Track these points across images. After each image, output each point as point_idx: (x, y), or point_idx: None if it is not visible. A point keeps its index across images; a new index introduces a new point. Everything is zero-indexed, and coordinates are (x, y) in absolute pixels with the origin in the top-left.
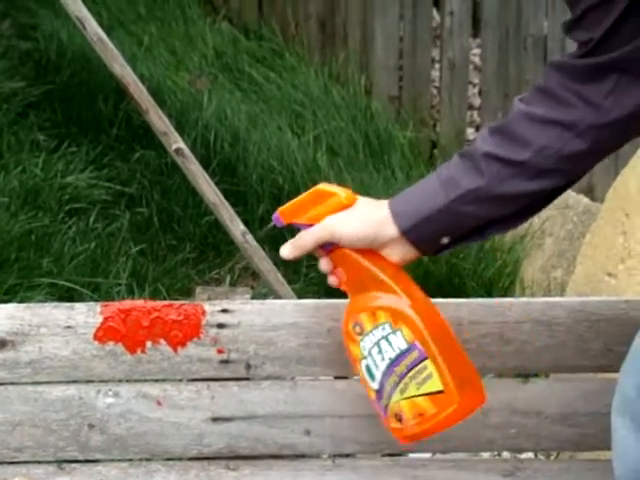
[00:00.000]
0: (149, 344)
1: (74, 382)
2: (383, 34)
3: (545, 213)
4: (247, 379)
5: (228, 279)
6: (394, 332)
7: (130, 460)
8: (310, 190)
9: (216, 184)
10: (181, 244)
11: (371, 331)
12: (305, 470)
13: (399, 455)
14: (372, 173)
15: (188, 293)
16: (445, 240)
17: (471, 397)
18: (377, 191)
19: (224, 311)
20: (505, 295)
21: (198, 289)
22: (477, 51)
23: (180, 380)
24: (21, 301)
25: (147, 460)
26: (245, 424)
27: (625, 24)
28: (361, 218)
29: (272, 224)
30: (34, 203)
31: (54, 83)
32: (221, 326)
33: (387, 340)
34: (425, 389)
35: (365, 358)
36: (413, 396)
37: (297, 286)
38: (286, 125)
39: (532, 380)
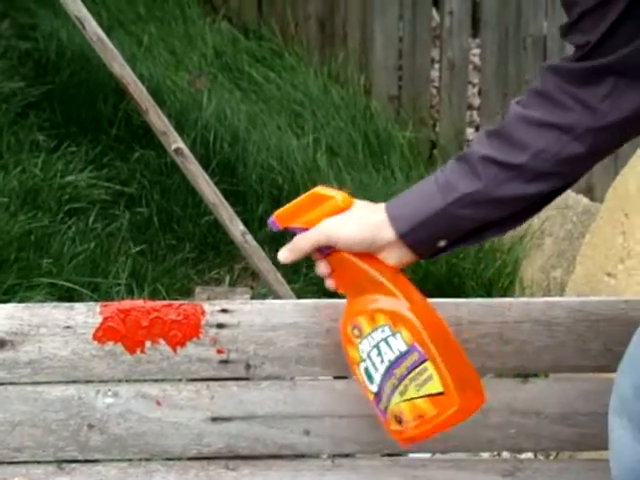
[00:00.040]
0: (148, 344)
1: (73, 382)
2: (382, 34)
3: (544, 213)
4: (246, 379)
5: (227, 279)
6: (393, 334)
7: (129, 460)
8: (306, 193)
9: (215, 184)
10: (181, 244)
11: (370, 334)
12: (304, 470)
13: (399, 455)
14: (371, 173)
15: (187, 293)
16: (442, 243)
17: (471, 398)
18: (376, 191)
19: (223, 311)
20: (505, 295)
21: (197, 289)
22: (477, 51)
23: (179, 380)
24: (20, 301)
25: (146, 460)
26: (244, 424)
27: (622, 27)
28: (358, 221)
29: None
30: (34, 203)
31: (54, 83)
32: (220, 326)
33: (386, 342)
34: (425, 391)
35: (364, 361)
36: (413, 398)
37: (296, 286)
38: (286, 125)
39: (532, 380)
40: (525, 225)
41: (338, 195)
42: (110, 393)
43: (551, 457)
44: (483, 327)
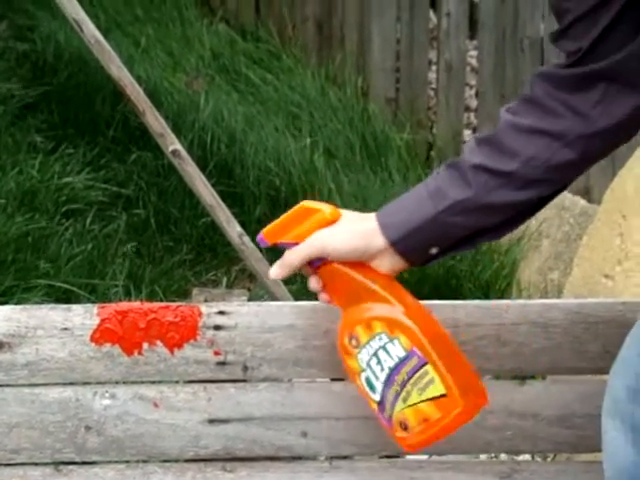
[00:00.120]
0: (146, 346)
1: (71, 384)
2: (380, 36)
3: (542, 215)
4: (244, 381)
5: (225, 281)
6: (391, 341)
7: (127, 462)
8: (293, 208)
9: (213, 186)
10: (178, 246)
11: (368, 342)
12: (302, 472)
13: (396, 457)
14: (369, 175)
15: (185, 295)
16: (434, 250)
17: (474, 398)
18: (374, 193)
19: (221, 313)
20: (502, 297)
21: (195, 291)
22: (474, 53)
23: (177, 382)
24: (18, 303)
25: (144, 462)
26: (242, 426)
27: (613, 33)
28: (349, 231)
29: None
30: (31, 204)
31: (51, 85)
32: (218, 328)
33: (385, 350)
34: (428, 394)
35: (364, 371)
36: (416, 403)
37: (294, 288)
38: (283, 127)
39: (529, 382)
40: (522, 227)
41: (325, 208)
42: (107, 395)
43: (548, 459)
44: (480, 329)
